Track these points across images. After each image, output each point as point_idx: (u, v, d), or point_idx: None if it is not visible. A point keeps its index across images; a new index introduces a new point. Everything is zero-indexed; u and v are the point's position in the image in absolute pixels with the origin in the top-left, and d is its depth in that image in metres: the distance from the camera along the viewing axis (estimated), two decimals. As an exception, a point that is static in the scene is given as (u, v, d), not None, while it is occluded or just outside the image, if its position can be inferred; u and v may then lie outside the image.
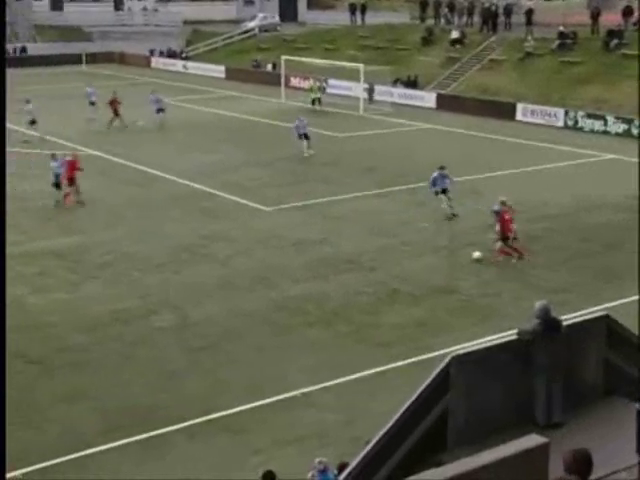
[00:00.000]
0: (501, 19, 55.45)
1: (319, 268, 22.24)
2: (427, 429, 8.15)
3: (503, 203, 22.91)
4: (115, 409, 14.94)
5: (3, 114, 2.56)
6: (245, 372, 16.31)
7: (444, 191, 26.16)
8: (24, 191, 30.21)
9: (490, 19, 55.13)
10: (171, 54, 72.33)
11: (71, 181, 28.70)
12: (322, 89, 49.47)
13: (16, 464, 13.23)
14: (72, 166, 28.83)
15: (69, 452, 13.57)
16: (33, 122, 39.84)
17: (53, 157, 28.78)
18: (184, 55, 71.26)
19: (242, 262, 22.78)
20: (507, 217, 22.52)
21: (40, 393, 15.66)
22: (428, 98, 49.43)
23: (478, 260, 22.19)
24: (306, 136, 35.70)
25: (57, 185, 28.32)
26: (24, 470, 13.12)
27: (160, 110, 41.90)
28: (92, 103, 44.16)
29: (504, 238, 22.52)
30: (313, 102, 47.66)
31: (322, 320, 18.89)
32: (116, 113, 41.37)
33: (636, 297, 18.62)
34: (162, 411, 14.83)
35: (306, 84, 53.00)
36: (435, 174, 26.07)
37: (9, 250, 23.46)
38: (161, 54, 72.73)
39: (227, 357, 17.03)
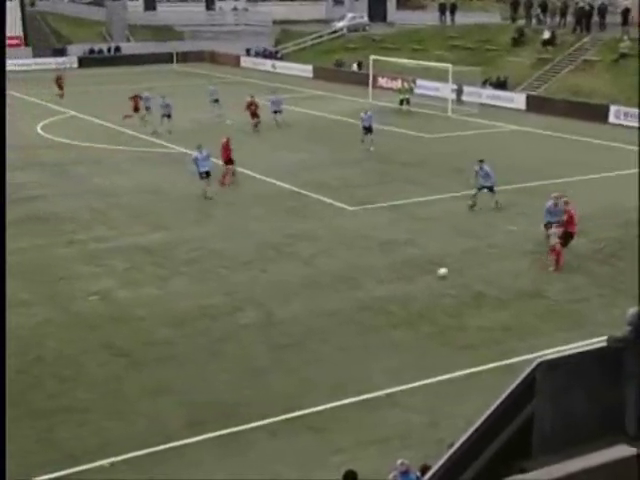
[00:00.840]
0: (595, 19, 54.36)
1: (404, 269, 22.16)
2: (512, 435, 8.04)
3: (566, 203, 22.20)
4: (200, 404, 15.14)
5: (3, 114, 2.59)
6: (329, 371, 16.34)
7: (490, 188, 26.66)
8: (118, 187, 30.89)
9: (584, 19, 54.10)
10: (267, 54, 72.82)
11: (228, 161, 30.50)
12: (411, 90, 49.26)
13: (103, 453, 13.55)
14: (227, 146, 30.51)
15: (154, 444, 13.79)
16: (169, 116, 40.80)
17: (199, 148, 28.88)
18: (279, 55, 71.66)
19: (327, 262, 22.83)
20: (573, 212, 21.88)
21: (127, 385, 15.96)
22: (517, 99, 48.78)
23: (443, 277, 21.02)
24: (369, 130, 36.33)
25: (207, 174, 28.65)
26: (111, 459, 13.40)
27: (277, 111, 41.82)
28: (216, 100, 45.18)
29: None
30: (401, 102, 47.55)
31: (406, 321, 18.81)
32: (255, 115, 40.75)
33: None
34: (245, 407, 14.97)
35: (393, 84, 52.91)
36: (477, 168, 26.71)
37: (101, 245, 24.09)
38: (257, 54, 73.30)
39: (311, 356, 17.09)
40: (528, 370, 8.14)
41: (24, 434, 14.22)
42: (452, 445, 8.10)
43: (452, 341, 17.77)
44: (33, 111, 48.48)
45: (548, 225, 22.33)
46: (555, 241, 21.91)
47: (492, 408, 8.00)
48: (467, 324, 18.64)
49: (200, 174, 28.77)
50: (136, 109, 42.72)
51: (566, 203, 22.22)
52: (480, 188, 26.97)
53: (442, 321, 18.84)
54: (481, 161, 27.05)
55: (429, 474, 8.09)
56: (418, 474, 10.80)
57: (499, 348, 17.25)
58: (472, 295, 20.35)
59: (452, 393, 15.43)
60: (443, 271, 21.16)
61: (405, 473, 11.03)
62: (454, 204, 28.26)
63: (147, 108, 42.47)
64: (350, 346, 17.52)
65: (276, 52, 72.80)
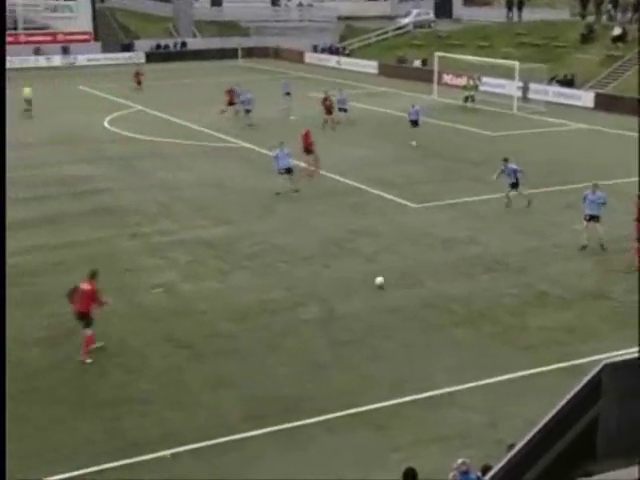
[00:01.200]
0: (668, 15, 53.34)
1: (466, 267, 22.00)
2: (576, 437, 7.91)
3: None
4: (260, 397, 15.24)
5: (3, 114, 2.61)
6: (390, 368, 16.31)
7: (514, 185, 26.81)
8: (181, 181, 31.23)
9: (656, 15, 53.13)
10: (334, 50, 72.78)
11: (308, 151, 31.26)
12: (476, 87, 48.87)
13: (165, 443, 13.73)
14: (307, 137, 31.40)
15: (215, 436, 13.93)
16: (248, 111, 41.48)
17: (281, 145, 28.83)
18: (347, 51, 71.52)
19: (389, 258, 22.78)
20: None
21: (189, 377, 16.13)
22: (585, 97, 48.05)
23: (380, 287, 20.29)
24: (416, 123, 37.18)
25: (287, 171, 28.65)
26: (172, 450, 13.57)
27: (342, 109, 41.49)
28: (287, 94, 45.92)
29: None
30: (466, 99, 47.26)
31: (468, 320, 18.68)
32: (329, 111, 40.49)
33: None
34: (305, 402, 15.02)
35: (458, 81, 52.55)
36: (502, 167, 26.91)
37: (164, 238, 24.37)
38: (323, 50, 73.30)
39: (372, 352, 17.08)
40: (593, 372, 8.02)
41: (91, 423, 14.48)
42: (512, 446, 8.02)
43: (514, 341, 17.60)
44: (101, 105, 49.23)
45: (587, 218, 23.09)
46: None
47: (556, 409, 7.89)
48: (529, 324, 18.45)
49: (279, 170, 28.77)
50: (231, 103, 43.30)
51: None
52: (513, 185, 26.98)
53: (504, 320, 18.67)
54: (505, 160, 27.13)
55: (490, 474, 8.02)
56: (479, 474, 10.73)
57: (561, 349, 17.03)
58: (535, 295, 20.13)
59: (512, 393, 15.29)
60: (380, 280, 20.28)
61: (466, 473, 10.97)
62: (518, 202, 27.95)
63: (242, 102, 42.72)
64: (411, 343, 17.46)
65: (343, 48, 72.69)
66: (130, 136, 40.06)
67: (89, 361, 16.84)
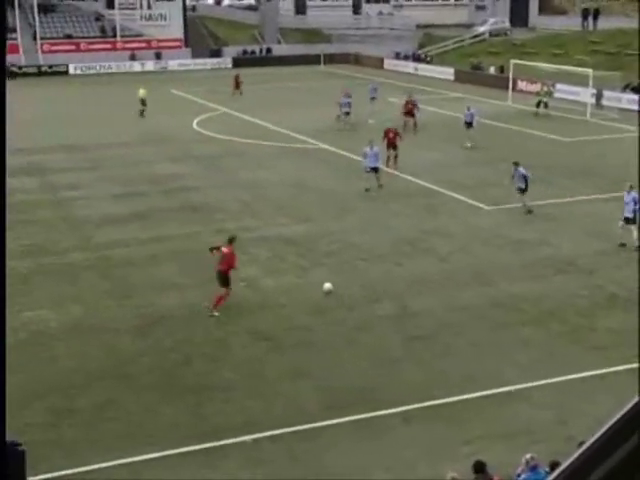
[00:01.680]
0: None
1: (537, 268, 21.70)
2: (621, 461, 7.74)
3: None
4: (336, 388, 15.28)
5: (3, 115, 2.70)
6: (460, 364, 16.19)
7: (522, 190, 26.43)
8: (263, 180, 31.48)
9: None
10: (416, 57, 72.21)
11: (394, 146, 32.40)
12: (550, 93, 48.06)
13: (246, 429, 13.87)
14: (393, 133, 32.72)
15: (293, 424, 14.02)
16: (347, 114, 41.45)
17: (370, 144, 29.13)
18: (428, 58, 70.95)
19: (461, 258, 22.61)
20: None
21: (269, 368, 16.26)
22: (658, 104, 46.88)
23: (328, 293, 19.48)
24: (470, 125, 37.36)
25: (374, 170, 28.85)
26: (254, 436, 13.70)
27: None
28: (372, 98, 45.96)
29: None
30: (538, 105, 46.44)
31: (537, 319, 18.43)
32: (411, 114, 40.59)
33: None
34: (380, 394, 15.01)
35: (533, 88, 51.75)
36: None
37: (247, 235, 24.58)
38: (406, 57, 72.78)
39: (444, 348, 16.98)
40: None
41: (176, 408, 14.71)
42: (582, 444, 7.90)
43: (583, 340, 17.31)
44: (190, 108, 49.92)
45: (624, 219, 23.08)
46: None
47: (625, 408, 7.75)
48: (598, 325, 18.11)
49: (366, 168, 29.10)
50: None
51: None
52: (521, 190, 26.55)
53: (573, 320, 18.37)
54: (516, 163, 26.93)
55: (558, 470, 7.91)
56: (547, 469, 10.57)
57: (631, 351, 16.63)
58: (605, 296, 19.75)
59: (581, 392, 15.04)
60: (327, 286, 19.58)
61: (534, 468, 10.82)
62: (589, 206, 27.52)
63: (341, 105, 42.13)
64: (482, 341, 17.31)
65: (425, 55, 72.06)
66: (216, 137, 40.54)
67: (216, 314, 18.41)
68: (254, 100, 52.52)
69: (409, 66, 69.54)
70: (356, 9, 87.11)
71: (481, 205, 27.76)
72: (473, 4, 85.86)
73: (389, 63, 72.03)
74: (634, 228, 23.00)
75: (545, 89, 47.94)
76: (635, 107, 47.23)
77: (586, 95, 47.10)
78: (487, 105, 49.93)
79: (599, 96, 47.98)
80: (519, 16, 79.83)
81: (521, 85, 53.95)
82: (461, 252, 23.09)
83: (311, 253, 23.17)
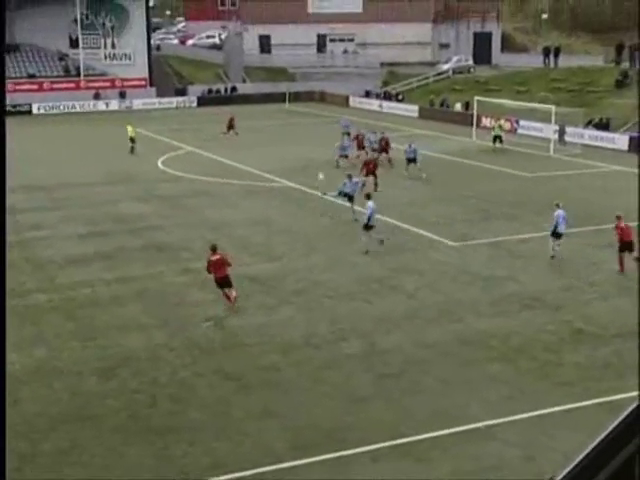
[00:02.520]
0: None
1: (504, 304, 21.85)
2: (614, 473, 7.80)
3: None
4: (304, 428, 15.20)
5: (3, 118, 2.76)
6: (429, 401, 16.20)
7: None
8: (229, 219, 31.47)
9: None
10: (386, 95, 72.56)
11: (374, 175, 35.14)
12: (501, 127, 47.97)
13: (212, 472, 13.73)
14: (373, 164, 35.90)
15: (260, 465, 13.90)
16: (346, 157, 41.16)
17: (349, 177, 30.88)
18: (400, 97, 71.35)
19: (429, 295, 22.71)
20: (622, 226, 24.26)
21: (236, 408, 16.14)
22: (620, 140, 47.73)
23: (322, 181, 21.56)
24: (414, 161, 38.73)
25: (349, 197, 30.50)
26: (221, 478, 13.55)
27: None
28: (347, 133, 46.12)
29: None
30: (494, 140, 46.87)
31: (505, 355, 18.52)
32: (386, 151, 41.63)
33: None
34: (348, 433, 14.94)
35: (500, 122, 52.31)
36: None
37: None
38: (377, 96, 73.03)
39: (412, 386, 16.98)
40: (631, 407, 7.93)
41: (141, 450, 14.54)
42: (553, 479, 7.93)
43: (550, 376, 17.40)
44: (155, 146, 49.93)
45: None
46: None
47: (593, 444, 7.80)
48: (566, 360, 18.24)
49: (340, 192, 30.56)
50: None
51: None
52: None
53: (541, 356, 18.47)
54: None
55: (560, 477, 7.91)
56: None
57: (597, 385, 16.80)
58: (572, 332, 19.91)
59: (549, 428, 15.09)
60: (321, 177, 22.85)
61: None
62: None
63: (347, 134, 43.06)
64: (450, 378, 17.34)
65: (397, 93, 72.38)
66: (181, 176, 40.54)
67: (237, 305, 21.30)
68: (218, 139, 52.67)
69: (374, 103, 70.21)
70: (320, 47, 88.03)
71: (447, 241, 27.97)
72: (436, 42, 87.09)
73: (354, 100, 72.70)
74: (552, 240, 25.92)
75: (498, 123, 48.51)
76: (597, 143, 48.07)
77: (549, 131, 47.85)
78: (451, 142, 50.54)
79: (562, 132, 48.76)
80: (482, 54, 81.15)
81: (485, 121, 54.69)
82: (429, 289, 23.20)
83: (277, 291, 23.15)
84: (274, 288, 23.43)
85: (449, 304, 21.89)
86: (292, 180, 38.51)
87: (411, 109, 65.50)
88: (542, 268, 25.05)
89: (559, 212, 25.84)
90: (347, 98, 73.36)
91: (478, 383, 17.06)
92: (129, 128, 47.22)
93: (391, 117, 63.26)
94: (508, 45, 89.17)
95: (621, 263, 24.36)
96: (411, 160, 38.88)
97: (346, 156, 41.20)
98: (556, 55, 66.85)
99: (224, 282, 21.47)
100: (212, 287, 23.46)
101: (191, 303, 22.24)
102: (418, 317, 20.99)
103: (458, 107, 62.50)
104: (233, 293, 21.59)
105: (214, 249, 21.57)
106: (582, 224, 29.62)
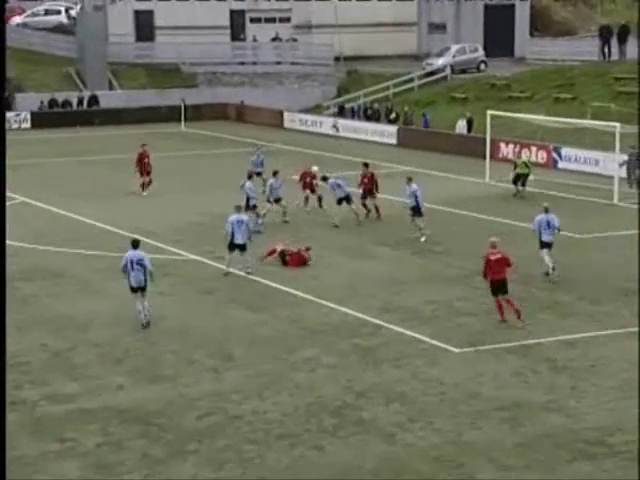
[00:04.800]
0: None
1: (541, 451, 21.90)
2: None
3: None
4: None
5: (3, 117, 2.81)
6: None
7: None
8: (88, 313, 31.25)
9: None
10: (350, 111, 73.69)
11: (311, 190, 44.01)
12: (527, 164, 48.08)
13: None
14: (310, 176, 44.29)
15: None
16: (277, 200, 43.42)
17: (275, 175, 41.92)
18: (370, 112, 72.22)
19: (418, 436, 22.70)
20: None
21: None
22: None
23: None
24: (344, 201, 42.35)
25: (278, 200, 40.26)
26: None
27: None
28: (258, 174, 47.88)
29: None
30: (515, 180, 47.23)
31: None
32: (311, 189, 45.06)
33: None
34: None
35: (525, 154, 52.79)
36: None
37: (58, 409, 24.22)
38: (330, 110, 74.10)
39: None
40: None
41: None
42: None
43: None
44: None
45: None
46: None
47: None
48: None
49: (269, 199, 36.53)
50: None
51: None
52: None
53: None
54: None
55: None
56: None
57: None
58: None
59: None
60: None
61: None
62: (627, 345, 27.97)
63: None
64: None
65: (366, 109, 73.23)
66: (12, 244, 40.21)
67: None
68: (72, 183, 52.60)
69: (325, 123, 70.67)
70: (236, 33, 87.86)
71: (448, 346, 28.03)
72: (425, 23, 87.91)
73: (292, 119, 73.11)
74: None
75: (522, 159, 48.89)
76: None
77: (611, 164, 48.35)
78: (451, 184, 51.21)
79: (633, 165, 48.83)
80: (500, 40, 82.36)
81: (505, 150, 55.25)
82: (418, 426, 23.16)
83: (169, 435, 22.94)
84: (162, 429, 23.26)
85: (451, 450, 21.87)
86: (190, 249, 38.45)
87: (386, 132, 66.11)
88: (607, 388, 25.14)
89: (541, 217, 34.25)
90: (281, 115, 73.84)
91: None
92: None
93: (352, 145, 63.78)
94: (542, 25, 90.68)
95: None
96: (342, 201, 42.01)
97: (280, 200, 42.71)
98: (622, 39, 67.36)
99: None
100: (59, 432, 23.18)
101: (24, 460, 21.87)
102: (401, 475, 20.92)
103: (461, 127, 63.23)
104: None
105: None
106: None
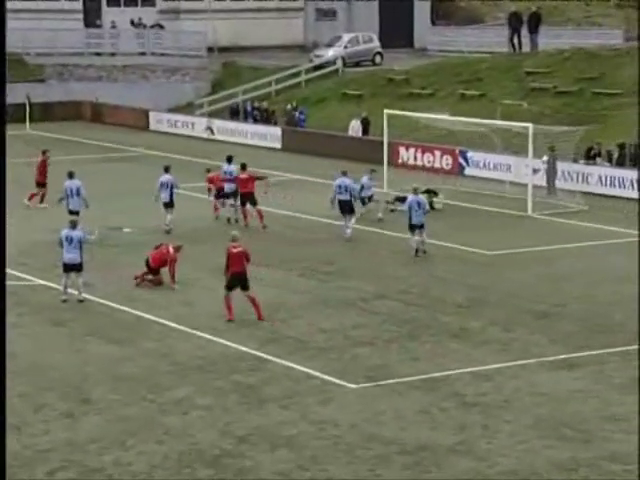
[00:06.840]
0: None
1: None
2: None
3: None
4: None
5: (3, 116, 2.97)
6: None
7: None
8: None
9: None
10: (230, 111, 73.70)
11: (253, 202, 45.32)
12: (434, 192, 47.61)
13: None
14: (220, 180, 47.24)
15: None
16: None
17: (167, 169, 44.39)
18: (256, 113, 72.19)
19: (308, 486, 22.75)
20: None
21: None
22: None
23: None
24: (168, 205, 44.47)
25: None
26: None
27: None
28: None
29: None
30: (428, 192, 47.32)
31: None
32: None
33: None
34: None
35: (427, 159, 53.12)
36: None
37: None
38: (234, 113, 74.04)
39: None
40: None
41: None
42: None
43: None
44: None
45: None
46: None
47: None
48: None
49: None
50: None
51: None
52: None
53: None
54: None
55: None
56: None
57: None
58: None
59: None
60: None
61: None
62: (544, 376, 28.30)
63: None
64: None
65: (254, 108, 72.88)
66: None
67: None
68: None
69: (197, 125, 70.58)
70: (90, 18, 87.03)
71: (344, 382, 28.08)
72: (312, 9, 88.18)
73: (159, 119, 72.87)
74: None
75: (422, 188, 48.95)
76: (611, 191, 48.75)
77: (524, 169, 49.04)
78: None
79: (549, 172, 49.40)
80: (397, 28, 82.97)
81: (405, 155, 55.53)
82: (309, 475, 23.12)
83: None
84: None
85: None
86: (38, 273, 38.15)
87: (267, 134, 66.17)
88: (523, 427, 25.35)
89: (412, 198, 39.74)
90: (146, 115, 73.56)
91: None
92: None
93: (229, 149, 63.74)
94: (445, 12, 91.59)
95: None
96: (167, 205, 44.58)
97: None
98: (534, 29, 68.07)
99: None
100: None
101: None
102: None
103: (355, 128, 63.46)
104: None
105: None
106: (589, 343, 30.27)
